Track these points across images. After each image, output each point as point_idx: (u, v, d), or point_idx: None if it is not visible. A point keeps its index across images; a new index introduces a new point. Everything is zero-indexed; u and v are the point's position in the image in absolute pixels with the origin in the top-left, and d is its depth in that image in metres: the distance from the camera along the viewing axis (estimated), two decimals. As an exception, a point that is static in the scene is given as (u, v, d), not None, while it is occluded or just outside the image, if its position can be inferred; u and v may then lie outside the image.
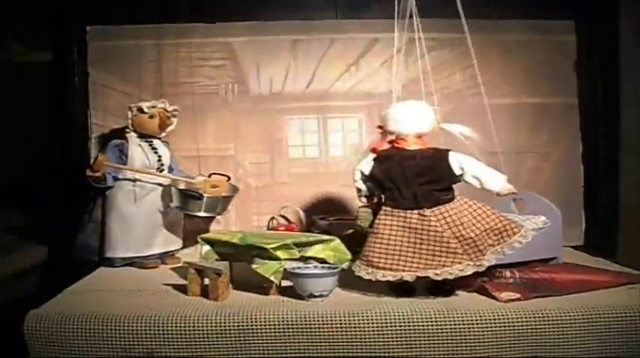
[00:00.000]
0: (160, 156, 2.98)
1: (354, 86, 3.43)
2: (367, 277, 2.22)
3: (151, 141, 3.00)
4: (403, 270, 2.17)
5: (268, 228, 3.24)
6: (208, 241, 2.52)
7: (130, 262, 2.86)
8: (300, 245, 2.39)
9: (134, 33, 3.35)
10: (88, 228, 2.93)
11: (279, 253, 2.31)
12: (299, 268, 2.31)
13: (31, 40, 3.20)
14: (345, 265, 2.42)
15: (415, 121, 2.31)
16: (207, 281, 2.29)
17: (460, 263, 2.15)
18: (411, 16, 2.54)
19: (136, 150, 2.94)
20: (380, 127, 2.37)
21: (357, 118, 3.44)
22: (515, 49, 3.40)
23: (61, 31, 3.26)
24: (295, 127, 3.43)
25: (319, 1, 3.45)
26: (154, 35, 3.35)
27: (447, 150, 2.32)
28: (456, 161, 2.29)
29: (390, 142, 2.36)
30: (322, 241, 2.47)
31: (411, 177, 2.25)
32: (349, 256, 2.48)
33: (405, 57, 3.33)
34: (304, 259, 2.41)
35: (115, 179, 2.89)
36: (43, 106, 3.22)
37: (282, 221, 3.26)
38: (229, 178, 3.04)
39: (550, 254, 2.78)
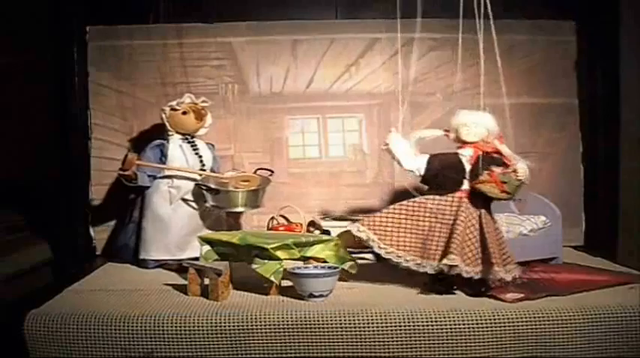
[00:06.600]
0: (201, 158, 2.93)
1: (354, 86, 3.43)
2: None
3: (194, 143, 2.95)
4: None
5: (268, 228, 3.23)
6: (208, 241, 2.52)
7: (162, 264, 2.81)
8: (300, 245, 2.40)
9: (134, 33, 3.35)
10: (128, 228, 2.92)
11: (279, 253, 2.31)
12: (299, 268, 2.31)
13: (31, 40, 3.20)
14: (345, 265, 2.42)
15: None
16: (207, 281, 2.29)
17: None
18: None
19: (176, 150, 2.90)
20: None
21: (357, 118, 3.43)
22: (515, 49, 3.40)
23: (61, 31, 3.26)
24: (295, 127, 3.43)
25: (319, 1, 3.45)
26: (153, 35, 3.35)
27: None
28: None
29: None
30: (322, 241, 2.47)
31: None
32: (349, 256, 2.48)
33: (405, 57, 3.34)
34: (304, 259, 2.42)
35: (154, 178, 2.85)
36: (43, 106, 3.21)
37: (282, 221, 3.25)
38: (272, 172, 3.01)
39: (550, 254, 2.79)
